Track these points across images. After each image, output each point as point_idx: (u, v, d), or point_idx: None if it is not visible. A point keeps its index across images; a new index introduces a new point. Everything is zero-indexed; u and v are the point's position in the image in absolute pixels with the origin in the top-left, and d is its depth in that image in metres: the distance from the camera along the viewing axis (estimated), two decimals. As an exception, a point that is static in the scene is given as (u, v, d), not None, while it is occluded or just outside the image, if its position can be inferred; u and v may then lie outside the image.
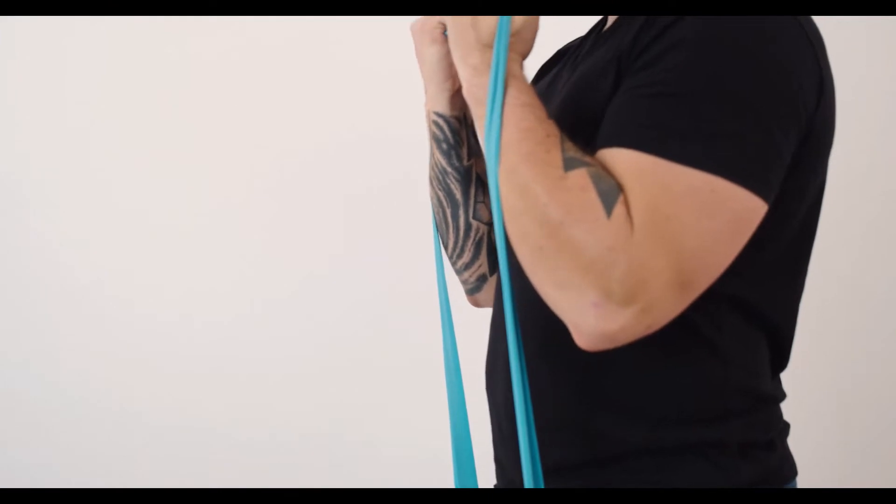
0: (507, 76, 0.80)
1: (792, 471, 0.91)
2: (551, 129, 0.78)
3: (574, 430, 0.88)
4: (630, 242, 0.70)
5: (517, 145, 0.76)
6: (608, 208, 0.71)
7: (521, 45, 0.85)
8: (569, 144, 0.76)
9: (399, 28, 1.77)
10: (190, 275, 1.89)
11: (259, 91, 1.86)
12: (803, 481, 0.93)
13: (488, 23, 0.83)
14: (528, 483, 0.80)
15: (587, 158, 0.75)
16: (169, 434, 1.89)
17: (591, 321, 0.71)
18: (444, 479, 1.76)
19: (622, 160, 0.75)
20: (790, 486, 0.90)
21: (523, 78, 0.82)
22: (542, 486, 0.81)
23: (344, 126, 1.86)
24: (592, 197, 0.72)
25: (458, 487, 0.98)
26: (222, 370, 1.89)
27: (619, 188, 0.73)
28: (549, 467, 0.89)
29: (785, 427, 0.92)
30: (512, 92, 0.79)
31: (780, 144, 0.77)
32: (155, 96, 1.86)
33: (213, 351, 1.89)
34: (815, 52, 0.81)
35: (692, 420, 0.85)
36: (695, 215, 0.72)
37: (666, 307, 0.72)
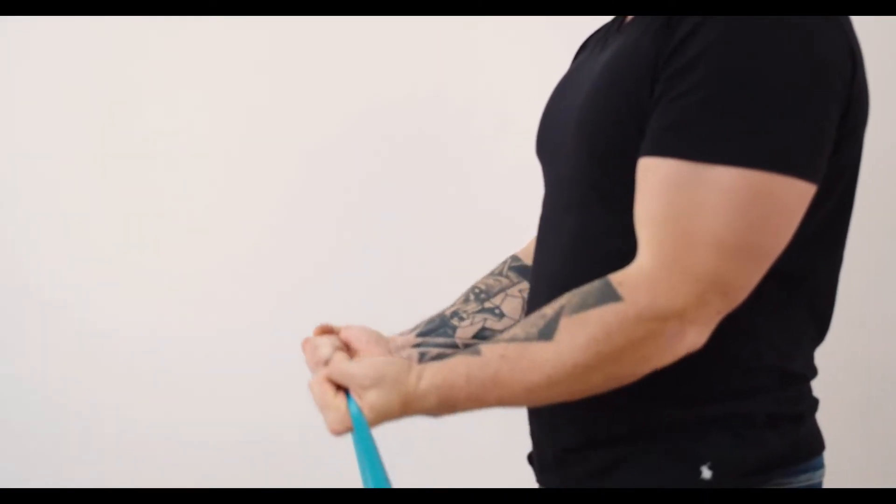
0: (436, 406, 0.80)
1: (819, 445, 0.92)
2: (496, 350, 0.80)
3: (604, 404, 0.89)
4: (656, 286, 0.78)
5: (508, 381, 0.79)
6: (615, 299, 0.78)
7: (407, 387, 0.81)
8: (519, 329, 0.81)
9: (389, 27, 1.81)
10: (178, 278, 1.88)
11: (249, 91, 1.86)
12: (830, 456, 0.94)
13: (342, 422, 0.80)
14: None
15: (548, 312, 0.81)
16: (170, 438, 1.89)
17: (684, 347, 0.80)
18: (449, 477, 1.78)
19: (658, 170, 0.79)
20: (818, 460, 0.91)
21: (443, 393, 0.80)
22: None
23: (336, 127, 1.86)
24: (595, 315, 0.78)
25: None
26: (224, 372, 1.89)
27: (600, 283, 0.80)
28: (577, 443, 0.92)
29: (814, 402, 0.93)
30: (451, 401, 0.80)
31: (821, 123, 0.79)
32: (138, 99, 1.86)
33: (210, 352, 1.89)
34: (841, 25, 0.83)
35: (722, 396, 0.87)
36: (733, 215, 0.76)
37: (730, 297, 0.80)
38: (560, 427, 0.93)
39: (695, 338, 0.80)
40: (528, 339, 0.80)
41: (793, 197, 0.78)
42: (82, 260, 1.88)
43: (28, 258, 1.88)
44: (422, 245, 1.85)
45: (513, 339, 0.81)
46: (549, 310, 0.81)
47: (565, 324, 0.79)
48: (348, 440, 0.82)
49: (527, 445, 1.04)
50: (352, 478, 1.77)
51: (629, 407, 0.88)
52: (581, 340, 0.78)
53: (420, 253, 1.85)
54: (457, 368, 0.80)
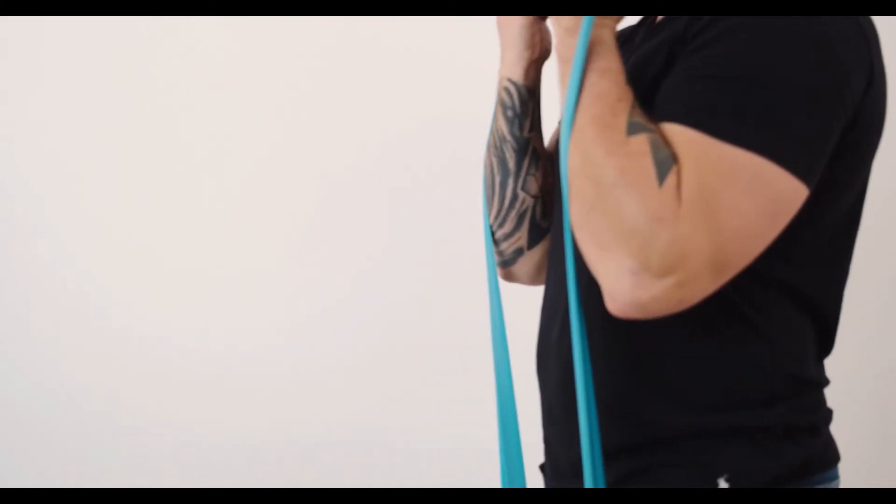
0: (593, 42, 0.82)
1: (835, 456, 0.92)
2: (625, 94, 0.80)
3: (621, 413, 0.90)
4: (676, 215, 0.73)
5: (587, 108, 0.79)
6: (661, 177, 0.74)
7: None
8: (637, 111, 0.79)
9: (433, 25, 1.81)
10: (219, 279, 1.88)
11: (293, 92, 1.86)
12: (844, 468, 0.94)
13: None
14: (587, 469, 0.82)
15: (651, 125, 0.78)
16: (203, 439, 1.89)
17: (626, 287, 0.74)
18: (482, 475, 1.77)
19: (673, 134, 0.78)
20: (832, 471, 0.91)
21: (609, 44, 0.83)
22: (600, 471, 0.83)
23: (375, 125, 1.85)
24: (648, 163, 0.75)
25: (506, 482, 0.98)
26: (255, 376, 1.89)
27: (675, 159, 0.76)
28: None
29: (828, 413, 0.93)
30: (593, 57, 0.82)
31: (825, 131, 0.79)
32: (173, 100, 1.86)
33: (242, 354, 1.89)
34: (868, 41, 0.83)
35: (739, 404, 0.87)
36: (738, 194, 0.75)
37: (701, 284, 0.75)
38: (576, 436, 0.93)
39: (662, 293, 0.74)
40: (628, 115, 0.78)
41: (789, 194, 0.77)
42: (112, 262, 1.88)
43: (58, 259, 1.88)
44: (454, 262, 1.84)
45: (633, 106, 0.79)
46: (651, 122, 0.79)
47: (638, 140, 0.76)
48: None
49: (538, 456, 1.05)
50: (359, 480, 1.79)
51: (646, 416, 0.88)
52: (624, 161, 0.75)
53: (452, 269, 1.84)
54: (621, 74, 0.82)
